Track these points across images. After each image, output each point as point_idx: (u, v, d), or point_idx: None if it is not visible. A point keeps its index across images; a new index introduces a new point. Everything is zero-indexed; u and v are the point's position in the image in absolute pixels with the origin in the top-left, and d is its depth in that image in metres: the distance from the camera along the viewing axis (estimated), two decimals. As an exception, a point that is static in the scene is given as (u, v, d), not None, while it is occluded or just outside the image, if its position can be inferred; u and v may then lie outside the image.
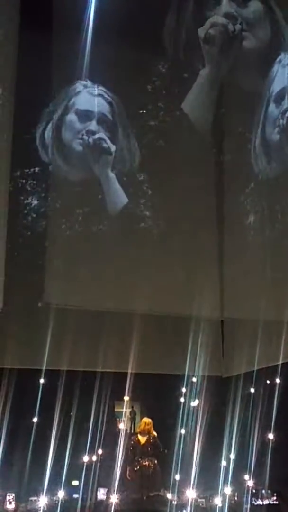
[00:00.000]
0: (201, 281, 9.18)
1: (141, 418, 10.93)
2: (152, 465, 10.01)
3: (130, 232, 9.12)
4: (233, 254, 9.33)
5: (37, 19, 8.68)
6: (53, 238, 8.94)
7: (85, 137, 9.06)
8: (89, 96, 9.18)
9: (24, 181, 9.35)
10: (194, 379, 10.57)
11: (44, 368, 9.34)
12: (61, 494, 9.39)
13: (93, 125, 9.10)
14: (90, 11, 8.95)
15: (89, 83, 9.12)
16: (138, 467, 10.00)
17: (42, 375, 9.71)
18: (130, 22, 9.02)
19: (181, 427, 10.50)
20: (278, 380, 10.35)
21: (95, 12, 8.93)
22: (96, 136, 9.05)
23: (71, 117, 9.15)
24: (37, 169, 9.32)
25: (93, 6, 8.91)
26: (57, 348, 9.10)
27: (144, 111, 9.48)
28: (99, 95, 9.17)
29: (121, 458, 10.06)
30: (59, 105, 9.12)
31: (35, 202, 9.30)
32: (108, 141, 9.07)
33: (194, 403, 10.79)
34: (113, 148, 9.08)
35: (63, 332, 9.11)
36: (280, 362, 9.66)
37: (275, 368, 9.94)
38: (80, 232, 8.90)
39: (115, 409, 11.85)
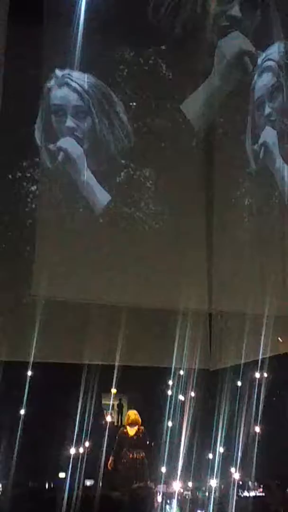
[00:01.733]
0: (189, 274, 9.17)
1: (128, 411, 10.94)
2: (139, 457, 10.02)
3: (118, 226, 9.11)
4: (221, 248, 9.31)
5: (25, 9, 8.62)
6: (42, 231, 8.91)
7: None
8: (59, 89, 9.12)
9: (14, 173, 9.32)
10: (182, 372, 10.58)
11: (31, 360, 9.31)
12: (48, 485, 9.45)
13: (68, 121, 9.07)
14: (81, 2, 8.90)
15: (63, 72, 9.07)
16: (125, 459, 10.01)
17: (29, 367, 9.67)
18: (124, 14, 8.99)
19: (168, 419, 10.52)
20: (265, 374, 10.39)
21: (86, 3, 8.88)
22: (57, 144, 8.99)
23: (52, 117, 9.11)
24: (26, 162, 9.29)
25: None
26: (44, 340, 9.07)
27: (135, 103, 9.45)
28: (66, 84, 9.11)
29: (109, 450, 10.08)
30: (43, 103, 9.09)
31: (24, 194, 9.27)
32: (70, 148, 9.03)
33: (182, 396, 10.81)
34: (77, 152, 9.04)
35: (50, 325, 9.09)
36: (268, 355, 9.70)
37: (262, 362, 9.97)
38: (68, 226, 8.89)
39: (103, 402, 11.87)
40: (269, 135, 9.11)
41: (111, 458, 9.97)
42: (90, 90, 9.13)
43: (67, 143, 9.01)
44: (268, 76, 9.22)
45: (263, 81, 9.24)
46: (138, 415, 10.25)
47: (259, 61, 9.27)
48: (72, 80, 9.08)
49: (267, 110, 9.13)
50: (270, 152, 9.08)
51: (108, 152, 9.17)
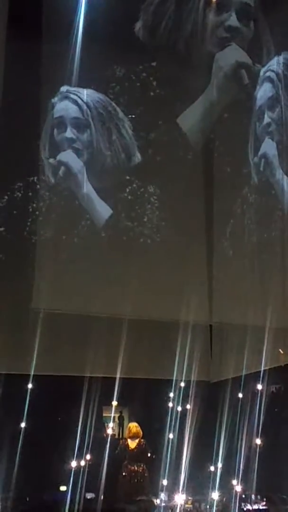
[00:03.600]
0: (190, 286, 9.20)
1: (129, 423, 10.90)
2: (140, 470, 9.96)
3: (119, 238, 9.14)
4: (222, 260, 9.36)
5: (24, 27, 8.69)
6: (42, 244, 8.95)
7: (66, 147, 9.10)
8: (62, 102, 9.17)
9: (15, 189, 9.35)
10: (183, 384, 10.56)
11: (32, 373, 9.29)
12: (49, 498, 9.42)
13: (68, 132, 9.12)
14: (79, 18, 8.96)
15: (65, 88, 9.13)
16: (126, 472, 9.96)
17: (30, 380, 9.66)
18: (121, 27, 9.05)
19: (169, 432, 10.49)
20: (266, 386, 10.36)
21: (85, 19, 8.95)
22: (57, 158, 9.06)
23: (54, 130, 9.18)
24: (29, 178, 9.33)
25: (83, 14, 8.90)
26: (46, 353, 9.07)
27: (133, 116, 9.50)
28: (66, 97, 9.18)
29: (109, 463, 10.03)
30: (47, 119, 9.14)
31: (25, 209, 9.29)
32: (71, 162, 9.05)
33: (183, 408, 10.78)
34: (78, 166, 9.06)
35: (52, 337, 9.08)
36: (268, 367, 9.69)
37: (263, 373, 9.96)
38: (69, 238, 8.92)
39: (104, 414, 11.83)
40: (269, 146, 9.15)
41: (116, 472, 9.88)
42: (91, 103, 9.18)
43: (68, 156, 9.07)
44: (268, 87, 9.27)
45: (263, 91, 9.29)
46: (139, 428, 10.18)
47: (262, 71, 9.32)
48: (71, 93, 9.14)
49: (266, 120, 9.18)
50: (270, 164, 9.11)
51: (106, 166, 9.21)
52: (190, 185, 9.53)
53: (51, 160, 9.04)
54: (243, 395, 10.55)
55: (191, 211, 9.49)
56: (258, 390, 10.32)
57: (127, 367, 9.51)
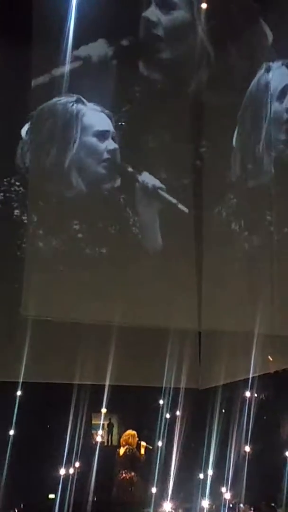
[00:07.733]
0: (179, 293, 9.21)
1: (118, 431, 10.88)
2: (128, 477, 9.91)
3: (107, 246, 9.16)
4: (211, 267, 9.37)
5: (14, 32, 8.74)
6: (32, 250, 8.95)
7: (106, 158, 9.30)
8: (97, 114, 9.25)
9: (4, 193, 9.34)
10: (172, 392, 10.54)
11: (20, 380, 9.26)
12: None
13: (111, 144, 9.23)
14: (70, 25, 9.00)
15: (86, 101, 9.24)
16: (116, 479, 9.92)
17: (19, 387, 9.63)
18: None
19: (159, 439, 10.47)
20: (255, 393, 10.36)
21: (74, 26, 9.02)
22: (156, 184, 9.34)
23: (91, 140, 9.27)
24: (18, 182, 9.33)
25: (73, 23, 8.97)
26: (34, 360, 9.04)
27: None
28: (101, 111, 9.31)
29: (98, 470, 10.00)
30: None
31: (15, 213, 9.28)
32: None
33: (172, 415, 10.77)
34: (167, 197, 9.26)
35: (40, 344, 9.06)
36: (257, 374, 9.69)
37: (252, 381, 9.95)
38: (59, 246, 8.92)
39: (93, 422, 11.80)
40: None
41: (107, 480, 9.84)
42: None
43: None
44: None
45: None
46: (129, 434, 10.12)
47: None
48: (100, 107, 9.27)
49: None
50: None
51: None
52: (179, 192, 9.55)
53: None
54: (232, 402, 10.54)
55: (180, 218, 9.52)
56: (247, 397, 10.32)
57: (116, 374, 9.49)
